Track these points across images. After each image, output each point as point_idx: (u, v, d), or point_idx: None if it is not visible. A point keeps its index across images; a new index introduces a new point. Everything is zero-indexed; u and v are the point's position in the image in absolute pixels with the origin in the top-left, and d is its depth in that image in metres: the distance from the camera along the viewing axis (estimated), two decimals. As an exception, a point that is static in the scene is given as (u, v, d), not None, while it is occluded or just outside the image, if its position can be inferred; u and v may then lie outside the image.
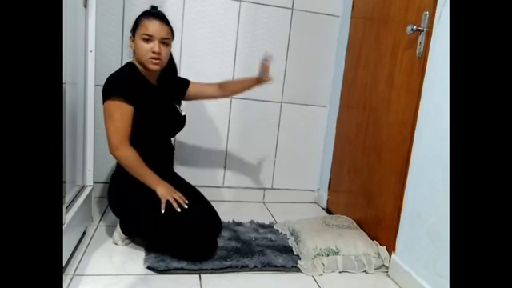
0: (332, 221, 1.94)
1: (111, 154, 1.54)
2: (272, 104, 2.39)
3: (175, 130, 1.78)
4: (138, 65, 1.61)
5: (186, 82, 1.85)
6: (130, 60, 1.65)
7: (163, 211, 1.52)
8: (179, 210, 1.53)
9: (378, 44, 1.90)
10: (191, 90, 1.85)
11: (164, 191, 1.56)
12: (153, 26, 1.54)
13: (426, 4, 1.52)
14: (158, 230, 1.57)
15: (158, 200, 1.58)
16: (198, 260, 1.54)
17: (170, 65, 1.74)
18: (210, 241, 1.63)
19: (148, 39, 1.54)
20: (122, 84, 1.54)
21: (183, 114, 1.77)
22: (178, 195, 1.58)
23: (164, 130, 1.71)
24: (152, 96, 1.62)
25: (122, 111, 1.51)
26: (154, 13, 1.60)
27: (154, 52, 1.54)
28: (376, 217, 1.82)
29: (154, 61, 1.56)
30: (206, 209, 1.83)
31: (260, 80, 1.79)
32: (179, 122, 1.76)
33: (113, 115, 1.51)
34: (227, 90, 1.89)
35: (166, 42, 1.58)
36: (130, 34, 1.62)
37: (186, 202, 1.57)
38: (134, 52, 1.61)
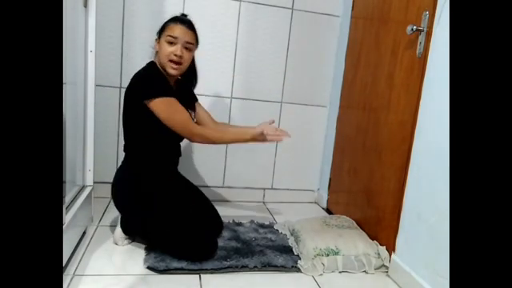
0: (332, 221, 1.94)
1: (194, 141, 1.64)
2: (272, 104, 2.39)
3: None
4: (159, 66, 1.62)
5: (194, 98, 1.86)
6: (152, 60, 1.65)
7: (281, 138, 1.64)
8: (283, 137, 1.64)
9: (378, 44, 1.90)
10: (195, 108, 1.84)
11: (260, 137, 1.63)
12: (178, 29, 1.57)
13: (426, 4, 1.52)
14: (158, 229, 1.57)
15: (160, 200, 1.59)
16: (198, 260, 1.54)
17: (191, 73, 1.75)
18: (211, 241, 1.63)
19: (172, 42, 1.56)
20: (159, 84, 1.56)
21: (195, 120, 1.77)
22: (275, 132, 1.62)
23: (175, 133, 1.70)
24: (175, 96, 1.62)
25: (175, 104, 1.55)
26: (182, 18, 1.63)
27: (175, 55, 1.56)
28: (376, 217, 1.82)
29: (173, 65, 1.57)
30: (207, 209, 1.83)
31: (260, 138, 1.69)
32: None
33: (172, 109, 1.54)
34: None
35: (190, 47, 1.60)
36: (155, 37, 1.63)
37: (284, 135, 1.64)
38: (156, 54, 1.63)
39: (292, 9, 2.30)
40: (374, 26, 1.96)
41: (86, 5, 1.62)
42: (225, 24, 2.22)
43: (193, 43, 1.62)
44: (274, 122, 1.74)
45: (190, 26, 1.61)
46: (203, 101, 2.26)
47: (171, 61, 1.57)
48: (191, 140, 1.65)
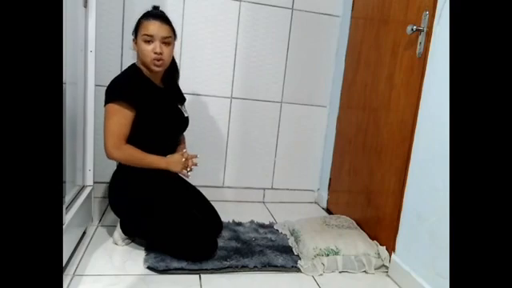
0: (332, 221, 1.94)
1: (107, 157, 1.53)
2: (272, 104, 2.39)
3: (179, 131, 1.78)
4: (141, 66, 1.61)
5: (184, 98, 1.85)
6: (134, 62, 1.65)
7: (190, 176, 1.66)
8: (194, 166, 1.67)
9: (378, 44, 1.90)
10: None
11: (177, 167, 1.61)
12: (152, 27, 1.54)
13: (425, 4, 1.52)
14: (158, 230, 1.57)
15: (159, 200, 1.59)
16: (199, 260, 1.54)
17: (173, 67, 1.74)
18: (211, 241, 1.63)
19: (149, 40, 1.54)
20: (124, 88, 1.55)
21: (186, 115, 1.77)
22: (189, 162, 1.64)
23: (168, 132, 1.70)
24: (156, 98, 1.62)
25: (121, 115, 1.51)
26: (154, 13, 1.59)
27: (155, 53, 1.54)
28: (376, 217, 1.82)
29: (156, 62, 1.56)
30: (207, 209, 1.83)
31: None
32: (183, 123, 1.76)
33: (110, 118, 1.51)
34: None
35: (168, 41, 1.58)
36: (132, 37, 1.62)
37: (196, 159, 1.67)
38: (138, 54, 1.62)
39: (292, 9, 2.30)
40: (374, 26, 1.96)
41: (85, 5, 1.62)
42: (225, 24, 2.22)
43: (170, 36, 1.59)
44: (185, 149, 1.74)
45: (163, 19, 1.58)
46: (203, 101, 2.27)
47: (153, 59, 1.55)
48: (106, 156, 1.53)
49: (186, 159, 1.64)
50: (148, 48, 1.54)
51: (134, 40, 1.61)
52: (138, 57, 1.61)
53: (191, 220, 1.60)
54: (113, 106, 1.51)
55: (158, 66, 1.57)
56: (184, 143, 1.84)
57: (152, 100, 1.59)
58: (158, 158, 1.59)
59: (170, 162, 1.61)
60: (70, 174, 1.55)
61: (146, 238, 1.66)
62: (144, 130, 1.56)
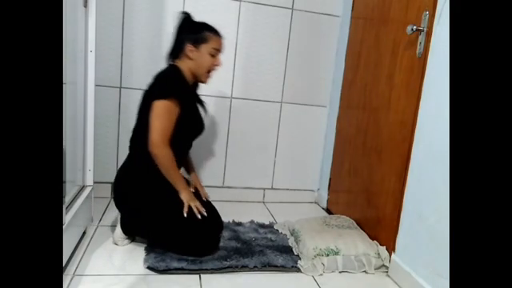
0: (332, 221, 1.94)
1: (150, 150, 1.54)
2: (272, 104, 2.39)
3: (199, 134, 1.83)
4: (185, 70, 1.66)
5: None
6: (173, 63, 1.68)
7: (185, 215, 1.56)
8: (199, 216, 1.58)
9: (378, 44, 1.90)
10: None
11: (188, 197, 1.61)
12: (221, 43, 1.69)
13: (425, 4, 1.52)
14: (159, 226, 1.59)
15: (161, 200, 1.60)
16: (201, 255, 1.56)
17: None
18: (212, 234, 1.65)
19: (215, 54, 1.66)
20: (176, 87, 1.60)
21: (206, 113, 1.85)
22: (198, 204, 1.62)
23: (193, 135, 1.78)
24: (193, 101, 1.71)
25: (172, 112, 1.56)
26: (217, 30, 1.69)
27: (217, 65, 1.68)
28: (376, 217, 1.82)
29: (211, 74, 1.69)
30: (207, 209, 1.83)
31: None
32: (203, 127, 1.82)
33: (162, 115, 1.55)
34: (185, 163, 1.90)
35: None
36: (188, 44, 1.64)
37: (204, 211, 1.61)
38: (185, 58, 1.65)
39: (292, 9, 2.30)
40: (374, 26, 1.96)
41: (85, 5, 1.62)
42: (225, 24, 2.22)
43: None
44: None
45: None
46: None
47: (209, 71, 1.68)
48: (149, 148, 1.55)
49: (199, 208, 1.60)
50: (211, 60, 1.66)
51: (190, 47, 1.64)
52: (187, 61, 1.65)
53: (192, 220, 1.61)
54: (165, 103, 1.55)
55: (209, 78, 1.70)
56: (195, 172, 1.91)
57: (191, 103, 1.68)
58: (183, 181, 1.62)
59: (187, 194, 1.61)
60: (70, 173, 1.55)
61: (147, 237, 1.66)
62: (176, 130, 1.59)
